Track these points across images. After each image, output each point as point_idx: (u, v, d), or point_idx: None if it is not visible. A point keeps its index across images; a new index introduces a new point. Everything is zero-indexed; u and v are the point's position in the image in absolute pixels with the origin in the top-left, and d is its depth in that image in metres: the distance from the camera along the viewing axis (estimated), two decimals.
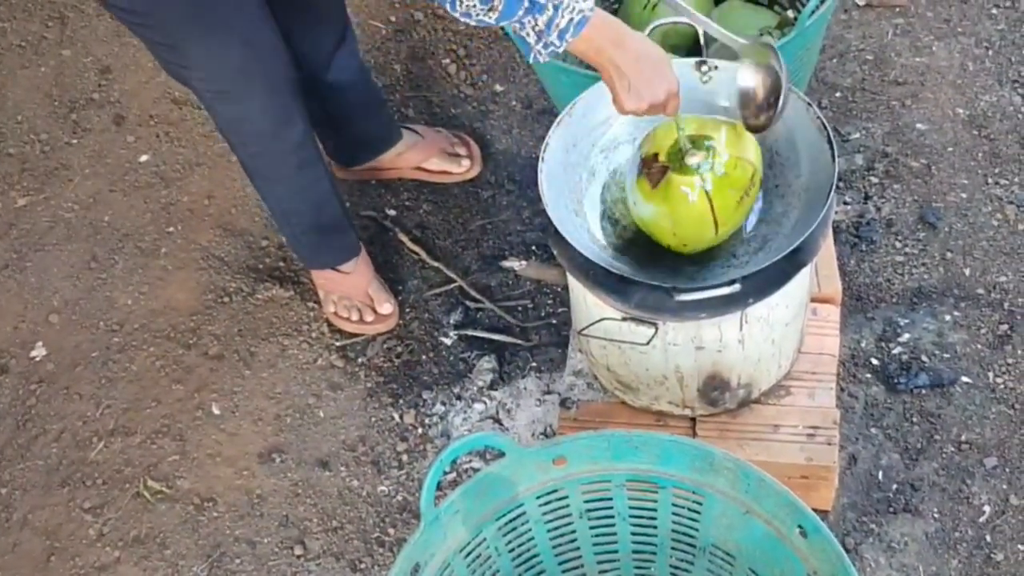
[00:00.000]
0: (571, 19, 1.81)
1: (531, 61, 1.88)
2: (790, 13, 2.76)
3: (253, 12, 2.25)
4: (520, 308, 2.77)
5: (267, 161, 2.49)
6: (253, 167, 2.53)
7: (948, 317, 2.62)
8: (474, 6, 1.76)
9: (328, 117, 2.77)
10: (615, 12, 2.88)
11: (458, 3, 1.76)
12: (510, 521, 1.96)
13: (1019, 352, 2.55)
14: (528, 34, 1.83)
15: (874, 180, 2.85)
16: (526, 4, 1.77)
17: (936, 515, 2.36)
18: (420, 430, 2.62)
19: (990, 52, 3.06)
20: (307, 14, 2.52)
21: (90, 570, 2.50)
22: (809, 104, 2.12)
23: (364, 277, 2.75)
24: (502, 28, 1.86)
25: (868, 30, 3.14)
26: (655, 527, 2.01)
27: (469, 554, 1.93)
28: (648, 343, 2.08)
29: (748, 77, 2.06)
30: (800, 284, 2.12)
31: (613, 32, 1.87)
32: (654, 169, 2.02)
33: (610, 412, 2.36)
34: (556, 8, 1.79)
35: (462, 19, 1.79)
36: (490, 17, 1.78)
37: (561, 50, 1.84)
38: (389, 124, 2.93)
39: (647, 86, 1.90)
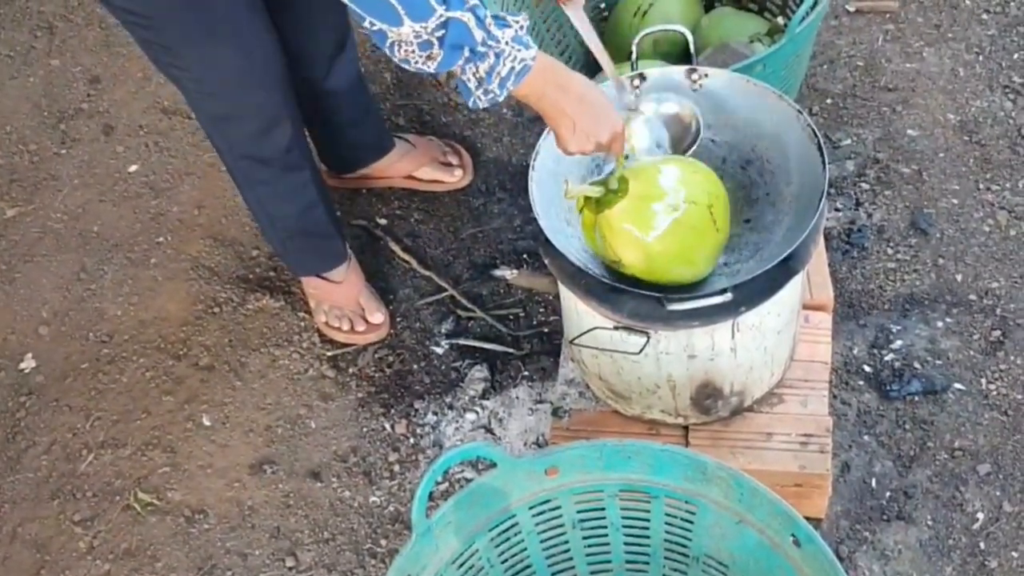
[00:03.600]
0: (512, 68, 1.78)
1: (471, 106, 1.84)
2: (780, 20, 2.77)
3: (252, 17, 2.25)
4: (512, 317, 2.77)
5: (254, 164, 2.48)
6: (239, 170, 2.52)
7: (940, 323, 2.61)
8: (412, 52, 1.72)
9: (324, 123, 2.77)
10: (604, 20, 2.89)
11: (397, 49, 1.73)
12: (502, 532, 1.95)
13: (1012, 358, 2.55)
14: (468, 79, 1.80)
15: (865, 186, 2.85)
16: (466, 54, 1.74)
17: (930, 522, 2.36)
18: (412, 440, 2.61)
19: (981, 57, 3.06)
20: (310, 18, 2.51)
21: None
22: (799, 111, 2.11)
23: (355, 286, 2.74)
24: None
25: (858, 36, 3.14)
26: (648, 537, 2.01)
27: (461, 565, 1.92)
28: (640, 352, 2.07)
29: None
30: (792, 292, 2.11)
31: (555, 76, 1.86)
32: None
33: (602, 421, 2.35)
34: (498, 56, 1.76)
35: (401, 64, 1.76)
36: (429, 66, 1.75)
37: (501, 98, 1.82)
38: (383, 132, 2.93)
39: (592, 127, 1.91)
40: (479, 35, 1.72)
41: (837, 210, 2.81)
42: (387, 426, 2.63)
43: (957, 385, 2.52)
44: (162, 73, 2.35)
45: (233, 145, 2.45)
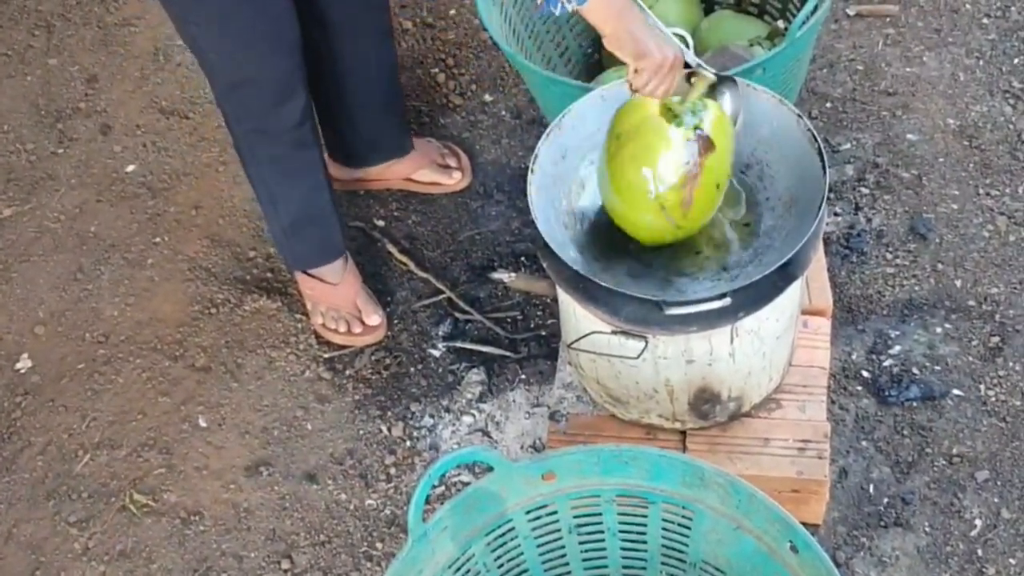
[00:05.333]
0: None
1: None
2: (780, 23, 2.76)
3: None
4: (509, 320, 2.76)
5: (263, 138, 2.47)
6: (248, 144, 2.50)
7: (939, 329, 2.60)
8: None
9: (350, 110, 2.75)
10: None
11: None
12: (499, 536, 1.95)
13: (1010, 364, 2.54)
14: None
15: (865, 191, 2.84)
16: None
17: (927, 529, 2.35)
18: (408, 443, 2.60)
19: (981, 62, 3.05)
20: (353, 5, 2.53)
21: None
22: (799, 116, 2.11)
23: (352, 288, 2.73)
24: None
25: (859, 40, 3.14)
26: (645, 542, 2.00)
27: (458, 570, 1.92)
28: (638, 356, 2.07)
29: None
30: (791, 297, 2.11)
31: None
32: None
33: (600, 425, 2.34)
34: None
35: None
36: None
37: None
38: (406, 132, 2.91)
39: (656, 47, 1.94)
40: None
41: (836, 215, 2.80)
42: (383, 429, 2.63)
43: (955, 391, 2.52)
44: (178, 32, 2.34)
45: (243, 116, 2.44)
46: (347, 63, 2.62)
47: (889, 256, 2.73)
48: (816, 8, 2.37)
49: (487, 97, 3.17)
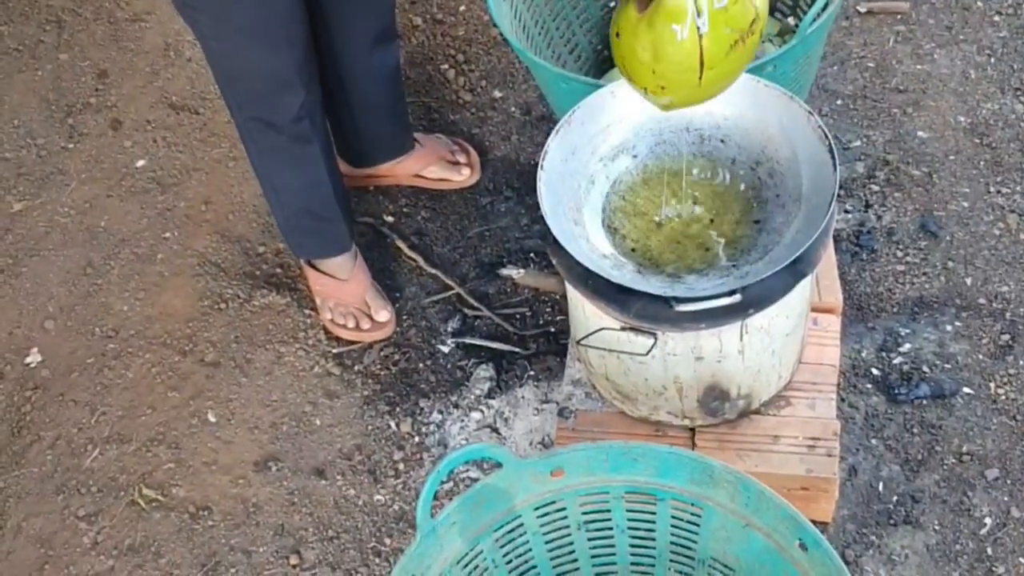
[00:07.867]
0: None
1: None
2: (791, 20, 2.75)
3: None
4: (518, 316, 2.76)
5: (262, 127, 2.46)
6: (248, 132, 2.50)
7: (949, 327, 2.60)
8: None
9: (352, 110, 2.75)
10: (611, 11, 2.87)
11: None
12: (507, 533, 1.95)
13: (1021, 363, 2.53)
14: None
15: (875, 188, 2.83)
16: None
17: (937, 527, 2.35)
18: (417, 439, 2.60)
19: (992, 60, 3.04)
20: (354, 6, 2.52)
21: None
22: (810, 113, 2.10)
23: (361, 284, 2.73)
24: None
25: (869, 37, 3.13)
26: (654, 539, 2.00)
27: (466, 566, 1.92)
28: (647, 353, 2.06)
29: None
30: (801, 294, 2.10)
31: None
32: None
33: (608, 422, 2.34)
34: None
35: None
36: None
37: None
38: (407, 132, 2.91)
39: None
40: None
41: (846, 212, 2.80)
42: (392, 424, 2.63)
43: (966, 389, 2.51)
44: (180, 15, 2.33)
45: (242, 104, 2.44)
46: (347, 64, 2.62)
47: (899, 254, 2.72)
48: (827, 5, 2.36)
49: (497, 93, 3.17)
